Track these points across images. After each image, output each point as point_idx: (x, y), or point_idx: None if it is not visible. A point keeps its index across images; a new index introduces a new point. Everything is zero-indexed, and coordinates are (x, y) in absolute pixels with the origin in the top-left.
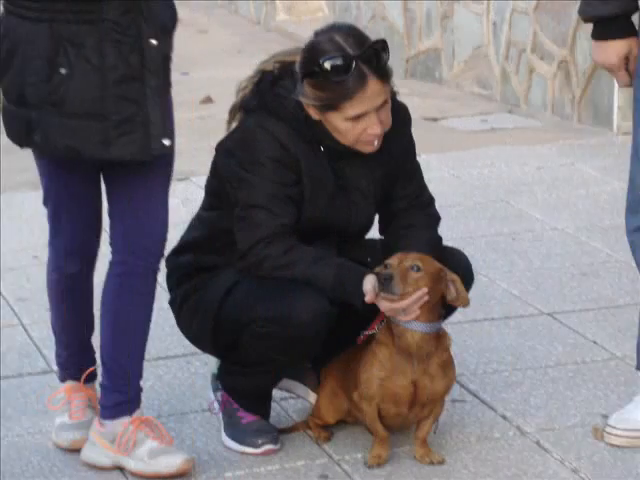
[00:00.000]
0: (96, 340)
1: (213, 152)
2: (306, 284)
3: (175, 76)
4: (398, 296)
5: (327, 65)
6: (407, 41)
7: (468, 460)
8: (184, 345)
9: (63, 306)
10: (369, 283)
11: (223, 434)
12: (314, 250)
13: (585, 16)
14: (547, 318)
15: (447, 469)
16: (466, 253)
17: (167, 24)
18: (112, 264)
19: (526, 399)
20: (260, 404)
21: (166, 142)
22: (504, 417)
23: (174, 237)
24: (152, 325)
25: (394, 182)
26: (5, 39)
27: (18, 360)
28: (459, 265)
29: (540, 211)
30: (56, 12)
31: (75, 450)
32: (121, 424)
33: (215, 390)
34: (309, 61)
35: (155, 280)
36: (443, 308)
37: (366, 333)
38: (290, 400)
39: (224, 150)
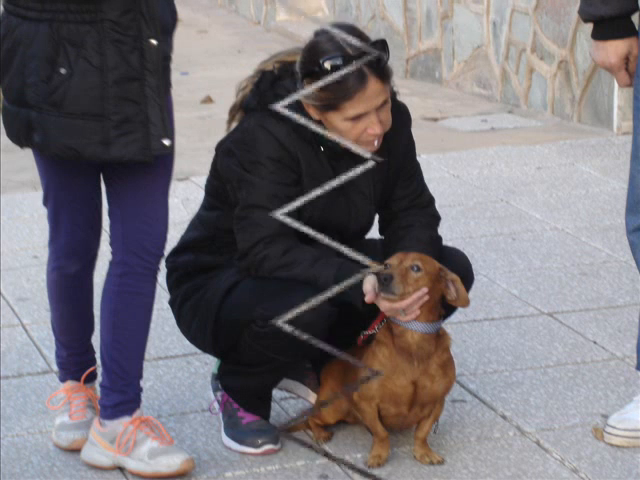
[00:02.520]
0: (96, 340)
1: (213, 152)
2: (306, 284)
3: (175, 76)
4: (398, 296)
5: (327, 65)
6: (407, 41)
7: (468, 460)
8: (184, 345)
9: (63, 306)
10: (369, 283)
11: (223, 434)
12: (314, 250)
13: (585, 16)
14: (547, 318)
15: (447, 469)
16: (466, 253)
17: (167, 24)
18: (112, 264)
19: (526, 399)
20: (260, 404)
21: (166, 142)
22: (504, 417)
23: (174, 237)
24: (152, 325)
25: (394, 182)
26: (5, 39)
27: (18, 360)
28: (459, 265)
29: (540, 211)
30: (56, 12)
31: (75, 450)
32: (121, 424)
33: (215, 390)
34: (309, 61)
35: (155, 280)
36: (443, 308)
37: (366, 333)
38: (290, 400)
39: (224, 150)
